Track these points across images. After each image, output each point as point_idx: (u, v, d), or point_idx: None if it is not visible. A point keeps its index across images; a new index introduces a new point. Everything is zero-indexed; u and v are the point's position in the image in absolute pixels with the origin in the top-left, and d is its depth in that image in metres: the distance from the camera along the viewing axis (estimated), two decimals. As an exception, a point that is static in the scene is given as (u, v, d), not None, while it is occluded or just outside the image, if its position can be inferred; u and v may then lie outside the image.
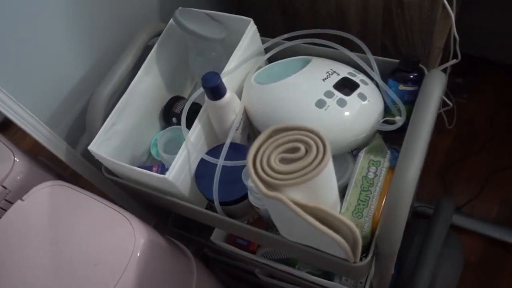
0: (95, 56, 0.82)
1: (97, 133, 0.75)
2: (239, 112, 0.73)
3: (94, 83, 0.84)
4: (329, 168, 0.50)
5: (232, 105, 0.70)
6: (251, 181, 0.56)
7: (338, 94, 0.69)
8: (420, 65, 0.74)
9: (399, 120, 0.71)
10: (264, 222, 0.73)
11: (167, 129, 0.88)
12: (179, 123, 0.86)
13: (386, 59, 0.77)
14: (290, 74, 0.75)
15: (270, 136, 0.51)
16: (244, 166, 0.68)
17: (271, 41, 0.82)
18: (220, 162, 0.68)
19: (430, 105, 0.61)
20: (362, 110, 0.70)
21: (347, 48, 0.76)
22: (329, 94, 0.69)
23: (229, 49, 0.82)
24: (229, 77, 0.76)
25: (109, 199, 0.75)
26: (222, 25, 0.83)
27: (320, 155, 0.48)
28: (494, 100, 1.57)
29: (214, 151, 0.74)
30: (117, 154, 0.79)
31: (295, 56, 0.82)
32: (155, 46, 0.82)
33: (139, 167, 0.83)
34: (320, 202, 0.51)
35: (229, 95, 0.69)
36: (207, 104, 0.70)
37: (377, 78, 0.74)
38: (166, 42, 0.84)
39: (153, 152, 0.86)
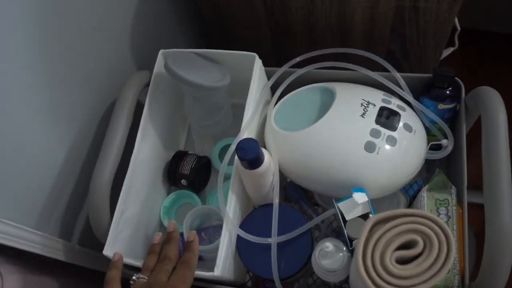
0: (74, 129, 0.66)
1: (106, 229, 0.61)
2: (276, 171, 0.62)
3: (79, 162, 0.69)
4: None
5: (270, 167, 0.59)
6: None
7: (385, 131, 0.61)
8: (456, 78, 0.67)
9: (447, 143, 0.65)
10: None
11: (175, 194, 0.75)
12: (189, 185, 0.74)
13: (415, 75, 0.69)
14: (316, 112, 0.65)
15: (372, 230, 0.42)
16: (298, 235, 0.59)
17: (280, 71, 0.71)
18: (274, 240, 0.58)
19: (501, 140, 0.55)
20: (412, 144, 0.62)
21: (349, 61, 0.67)
22: (375, 133, 0.61)
23: (229, 88, 0.70)
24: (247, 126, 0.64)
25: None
26: (221, 66, 0.70)
27: (444, 249, 0.40)
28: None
29: (254, 220, 0.63)
30: (131, 244, 0.65)
31: (305, 84, 0.72)
32: (146, 104, 0.68)
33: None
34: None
35: (267, 159, 0.58)
36: (242, 172, 0.59)
37: (413, 101, 0.66)
38: (155, 94, 0.70)
39: (165, 222, 0.74)
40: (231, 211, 0.59)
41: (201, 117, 0.74)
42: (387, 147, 0.60)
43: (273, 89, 0.71)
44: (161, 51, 0.71)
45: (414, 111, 0.67)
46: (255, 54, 0.68)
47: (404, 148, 0.61)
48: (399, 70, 0.82)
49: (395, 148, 0.60)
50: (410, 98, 0.67)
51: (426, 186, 0.62)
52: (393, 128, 0.61)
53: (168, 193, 0.77)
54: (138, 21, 0.78)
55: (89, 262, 0.72)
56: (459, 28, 0.86)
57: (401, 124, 0.62)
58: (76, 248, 0.70)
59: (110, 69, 0.72)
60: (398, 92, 0.67)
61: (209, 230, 0.71)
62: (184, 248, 0.56)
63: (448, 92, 0.67)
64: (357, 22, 0.77)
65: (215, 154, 0.77)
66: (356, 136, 0.61)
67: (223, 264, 0.57)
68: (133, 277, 0.52)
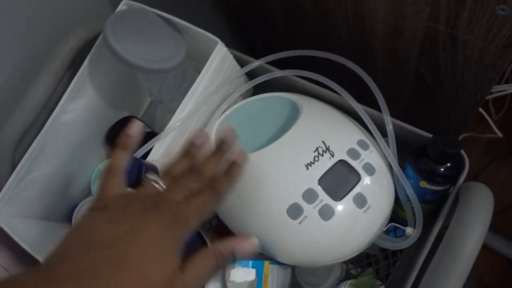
0: None
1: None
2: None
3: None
4: None
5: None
6: None
7: (324, 197, 0.46)
8: (462, 151, 0.49)
9: (411, 233, 0.49)
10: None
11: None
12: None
13: (413, 129, 0.52)
14: (266, 135, 0.52)
15: None
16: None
17: (250, 65, 0.57)
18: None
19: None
20: (357, 223, 0.47)
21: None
22: (309, 196, 0.46)
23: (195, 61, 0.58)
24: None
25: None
26: (183, 38, 0.57)
27: None
28: None
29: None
30: (37, 204, 0.61)
31: (274, 89, 0.57)
32: (87, 59, 0.58)
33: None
34: None
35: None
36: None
37: (394, 163, 0.50)
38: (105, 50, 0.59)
39: (94, 186, 0.67)
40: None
41: (156, 93, 0.63)
42: (317, 219, 0.46)
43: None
44: (123, 1, 0.58)
45: (391, 175, 0.51)
46: (218, 40, 0.54)
47: (341, 227, 0.47)
48: (430, 98, 0.64)
49: (327, 224, 0.46)
50: (390, 157, 0.50)
51: (353, 280, 0.48)
52: (337, 196, 0.47)
53: (111, 156, 0.70)
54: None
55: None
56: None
57: (353, 194, 0.47)
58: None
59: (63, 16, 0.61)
60: (379, 143, 0.51)
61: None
62: (226, 169, 0.40)
63: (442, 169, 0.49)
64: (378, 29, 0.57)
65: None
66: (285, 192, 0.47)
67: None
68: (147, 175, 0.39)
